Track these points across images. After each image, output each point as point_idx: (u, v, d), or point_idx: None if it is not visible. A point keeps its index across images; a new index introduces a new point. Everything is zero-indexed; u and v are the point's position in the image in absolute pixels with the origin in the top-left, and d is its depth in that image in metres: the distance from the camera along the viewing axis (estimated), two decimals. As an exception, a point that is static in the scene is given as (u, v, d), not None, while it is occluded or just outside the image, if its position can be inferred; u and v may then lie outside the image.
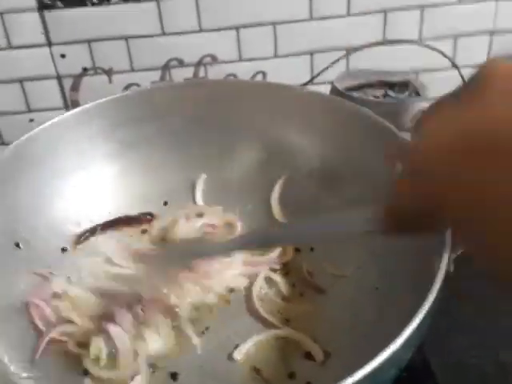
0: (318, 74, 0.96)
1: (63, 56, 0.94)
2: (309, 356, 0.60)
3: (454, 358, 0.65)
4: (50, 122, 0.70)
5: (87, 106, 0.72)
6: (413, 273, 0.56)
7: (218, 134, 0.78)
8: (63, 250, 0.71)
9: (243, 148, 0.78)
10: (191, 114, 0.77)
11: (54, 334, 0.61)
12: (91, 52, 0.94)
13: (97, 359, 0.58)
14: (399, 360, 0.48)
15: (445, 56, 0.94)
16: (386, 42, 0.96)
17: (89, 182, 0.74)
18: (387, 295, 0.61)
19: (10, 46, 0.92)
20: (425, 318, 0.45)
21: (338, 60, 0.95)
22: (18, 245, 0.66)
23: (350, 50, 0.95)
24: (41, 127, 0.69)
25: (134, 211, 0.75)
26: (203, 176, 0.78)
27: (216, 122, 0.77)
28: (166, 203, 0.77)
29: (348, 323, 0.62)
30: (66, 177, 0.72)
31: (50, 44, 0.93)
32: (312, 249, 0.70)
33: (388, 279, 0.62)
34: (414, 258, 0.57)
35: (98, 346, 0.59)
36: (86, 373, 0.58)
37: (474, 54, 1.00)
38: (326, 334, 0.61)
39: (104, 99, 0.73)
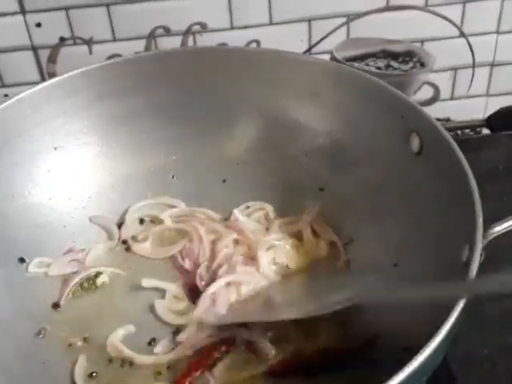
0: (317, 44, 0.92)
1: (39, 25, 0.89)
2: None
3: (463, 345, 0.61)
4: (18, 97, 0.64)
5: (61, 77, 0.67)
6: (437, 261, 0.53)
7: (212, 108, 0.73)
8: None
9: (240, 123, 0.73)
10: (181, 87, 0.72)
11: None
12: (69, 20, 0.88)
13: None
14: (431, 365, 0.44)
15: (452, 23, 0.91)
16: (389, 8, 0.90)
17: (65, 164, 0.69)
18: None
19: (-21, 15, 0.87)
20: (460, 315, 0.42)
21: (337, 28, 0.91)
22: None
23: (351, 17, 0.90)
24: (8, 103, 0.64)
25: (116, 196, 0.71)
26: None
27: (210, 95, 0.72)
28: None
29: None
30: (39, 159, 0.68)
31: (24, 12, 0.87)
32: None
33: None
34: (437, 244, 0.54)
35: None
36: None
37: (483, 22, 0.95)
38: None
39: (80, 70, 0.67)
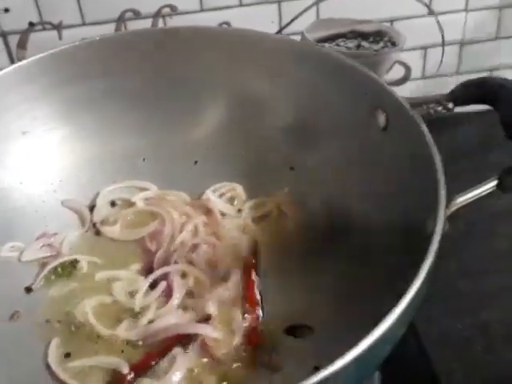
0: (287, 25, 0.91)
1: (7, 10, 0.87)
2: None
3: (436, 322, 0.65)
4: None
5: (26, 62, 0.65)
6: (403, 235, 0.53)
7: (179, 90, 0.72)
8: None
9: (209, 104, 0.72)
10: (148, 69, 0.71)
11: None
12: (37, 5, 0.87)
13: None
14: (394, 335, 0.44)
15: (421, 2, 0.91)
16: (358, -13, 0.90)
17: (34, 149, 0.68)
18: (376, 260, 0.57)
19: None
20: (423, 284, 0.42)
21: (307, 8, 0.90)
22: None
23: (321, -3, 0.90)
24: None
25: (87, 180, 0.70)
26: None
27: (177, 76, 0.71)
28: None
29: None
30: (8, 144, 0.67)
31: (-10, -3, 0.86)
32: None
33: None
34: (403, 218, 0.54)
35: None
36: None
37: (451, 0, 0.95)
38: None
39: (44, 53, 0.66)
